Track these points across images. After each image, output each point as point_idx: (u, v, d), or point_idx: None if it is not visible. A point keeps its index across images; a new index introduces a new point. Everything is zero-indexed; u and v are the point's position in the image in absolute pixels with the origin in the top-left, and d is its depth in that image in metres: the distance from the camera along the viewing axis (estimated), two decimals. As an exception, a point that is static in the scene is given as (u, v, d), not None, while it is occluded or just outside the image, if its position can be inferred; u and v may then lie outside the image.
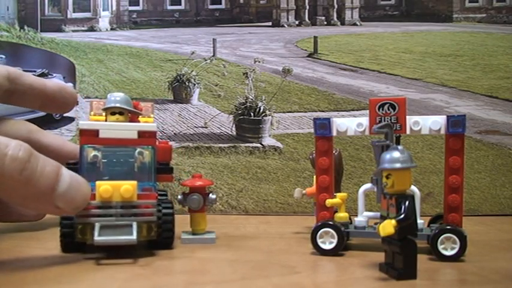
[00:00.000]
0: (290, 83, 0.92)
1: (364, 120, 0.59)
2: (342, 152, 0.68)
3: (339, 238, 0.57)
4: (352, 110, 0.91)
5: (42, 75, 0.95)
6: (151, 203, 0.57)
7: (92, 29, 0.97)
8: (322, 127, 0.59)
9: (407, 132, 0.58)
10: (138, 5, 0.98)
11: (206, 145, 0.90)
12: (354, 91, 0.92)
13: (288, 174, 0.88)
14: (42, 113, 0.95)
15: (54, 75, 0.95)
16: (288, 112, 0.91)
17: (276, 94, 0.91)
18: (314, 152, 0.65)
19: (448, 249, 0.55)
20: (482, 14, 0.95)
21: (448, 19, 0.95)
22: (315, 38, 0.95)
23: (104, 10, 0.97)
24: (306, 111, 0.91)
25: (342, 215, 0.60)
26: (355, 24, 0.97)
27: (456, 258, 0.55)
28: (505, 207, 0.87)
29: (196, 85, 0.92)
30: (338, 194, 0.60)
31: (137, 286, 0.48)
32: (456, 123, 0.56)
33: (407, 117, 0.57)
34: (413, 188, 0.58)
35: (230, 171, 0.88)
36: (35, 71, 0.94)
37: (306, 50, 0.96)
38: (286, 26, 0.98)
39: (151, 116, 0.70)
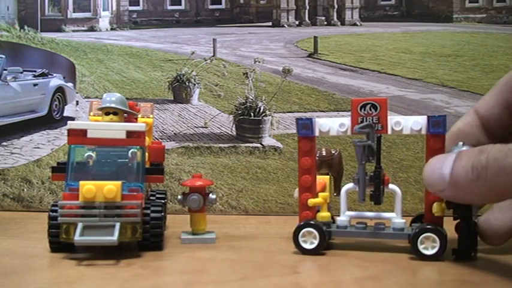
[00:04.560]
0: (290, 83, 0.92)
1: (346, 121, 0.59)
2: (342, 152, 0.67)
3: (320, 238, 0.57)
4: (352, 110, 0.90)
5: (42, 75, 0.95)
6: (136, 203, 0.57)
7: (92, 29, 0.97)
8: (305, 127, 0.59)
9: (389, 132, 0.58)
10: (138, 5, 0.98)
11: (206, 145, 0.90)
12: (354, 91, 0.92)
13: (288, 174, 0.88)
14: (42, 113, 0.95)
15: (54, 75, 0.95)
16: (288, 112, 0.91)
17: (276, 94, 0.91)
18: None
19: (429, 248, 0.55)
20: (482, 14, 0.95)
21: (448, 19, 0.95)
22: (315, 38, 0.95)
23: (104, 10, 0.97)
24: (306, 112, 0.91)
25: (324, 215, 0.60)
26: (355, 25, 0.97)
27: (436, 257, 0.55)
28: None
29: (196, 85, 0.92)
30: (320, 194, 0.60)
31: (137, 286, 0.48)
32: (437, 123, 0.56)
33: (388, 117, 0.57)
34: (394, 187, 0.58)
35: (230, 171, 0.88)
36: (35, 71, 0.95)
37: (306, 50, 0.96)
38: (286, 26, 0.98)
39: (151, 116, 0.70)
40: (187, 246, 0.62)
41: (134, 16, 0.98)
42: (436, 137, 0.56)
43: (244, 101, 0.91)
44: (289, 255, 0.58)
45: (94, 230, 0.55)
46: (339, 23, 0.97)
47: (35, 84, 0.95)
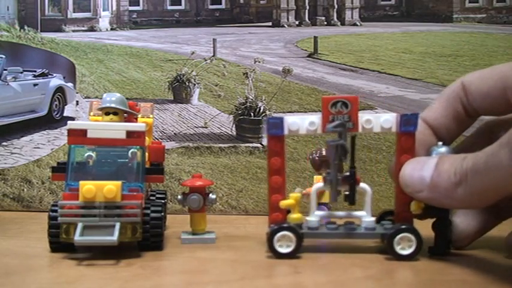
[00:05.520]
0: (290, 83, 0.92)
1: (317, 119, 0.57)
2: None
3: (297, 241, 0.56)
4: (352, 110, 0.90)
5: (42, 75, 0.95)
6: (136, 203, 0.57)
7: (92, 29, 0.97)
8: (275, 126, 0.57)
9: (360, 130, 0.57)
10: (138, 5, 0.98)
11: (206, 145, 0.90)
12: (354, 91, 0.92)
13: (288, 174, 0.87)
14: (42, 113, 0.95)
15: (54, 75, 0.95)
16: (288, 112, 0.91)
17: (276, 94, 0.91)
18: (314, 151, 0.65)
19: (405, 247, 0.55)
20: (482, 14, 0.95)
21: (448, 19, 0.95)
22: (315, 38, 0.95)
23: (104, 10, 0.97)
24: (306, 111, 0.91)
25: (295, 216, 0.58)
26: (355, 25, 0.97)
27: (412, 257, 0.55)
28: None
29: (196, 85, 0.92)
30: (291, 195, 0.58)
31: (137, 286, 0.48)
32: (408, 121, 0.56)
33: (359, 115, 0.57)
34: (364, 185, 0.58)
35: (230, 171, 0.88)
36: (35, 71, 0.95)
37: (306, 50, 0.96)
38: (286, 26, 0.98)
39: (151, 116, 0.70)
40: (187, 246, 0.62)
41: (134, 16, 0.98)
42: (406, 135, 0.56)
43: (244, 101, 0.91)
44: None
45: (94, 230, 0.55)
46: (339, 23, 0.97)
47: (35, 84, 0.95)
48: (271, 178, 0.58)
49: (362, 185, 0.58)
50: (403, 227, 0.56)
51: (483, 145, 0.47)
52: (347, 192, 0.57)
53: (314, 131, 0.58)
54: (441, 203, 0.51)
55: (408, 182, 0.53)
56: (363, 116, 0.57)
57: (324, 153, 0.65)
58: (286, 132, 0.58)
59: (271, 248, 0.57)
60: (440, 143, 0.55)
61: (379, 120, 0.57)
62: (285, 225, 0.57)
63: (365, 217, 0.58)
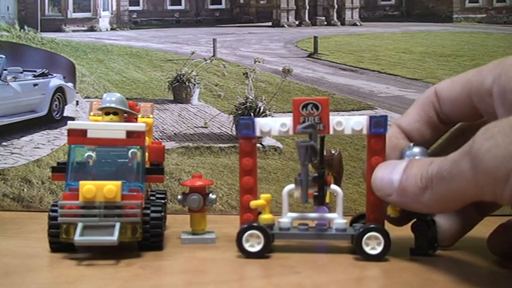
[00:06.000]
0: (290, 83, 0.92)
1: (288, 120, 0.58)
2: (342, 152, 0.67)
3: (265, 240, 0.56)
4: (352, 110, 0.91)
5: (42, 75, 0.95)
6: (136, 203, 0.57)
7: (92, 29, 0.97)
8: (246, 127, 0.58)
9: (331, 132, 0.57)
10: (138, 5, 0.98)
11: (206, 145, 0.90)
12: (354, 91, 0.92)
13: (288, 174, 0.88)
14: (42, 113, 0.95)
15: (54, 75, 0.95)
16: (288, 112, 0.90)
17: (276, 94, 0.91)
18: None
19: (373, 247, 0.55)
20: (483, 14, 0.95)
21: (448, 19, 0.95)
22: (315, 38, 0.95)
23: (104, 10, 0.97)
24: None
25: (266, 217, 0.58)
26: (355, 25, 0.97)
27: (381, 257, 0.55)
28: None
29: (196, 85, 0.92)
30: (262, 195, 0.58)
31: (137, 286, 0.48)
32: (378, 123, 0.56)
33: (330, 117, 0.57)
34: (336, 187, 0.58)
35: (230, 171, 0.88)
36: (35, 71, 0.95)
37: (306, 50, 0.96)
38: (286, 26, 0.98)
39: (151, 116, 0.70)
40: (187, 246, 0.62)
41: (134, 16, 0.98)
42: (377, 137, 0.56)
43: (244, 101, 0.91)
44: (289, 255, 0.58)
45: (94, 230, 0.55)
46: (339, 23, 0.98)
47: (35, 84, 0.95)
48: (242, 179, 0.59)
49: (333, 186, 0.58)
50: (371, 226, 0.56)
51: (455, 148, 0.47)
52: (316, 193, 0.57)
53: (286, 132, 0.58)
54: (410, 206, 0.51)
55: (378, 186, 0.53)
56: (334, 118, 0.57)
57: (324, 153, 0.65)
58: (258, 133, 0.58)
59: (240, 247, 0.57)
60: (411, 144, 0.55)
61: (349, 123, 0.57)
62: (253, 224, 0.57)
63: (336, 219, 0.58)
